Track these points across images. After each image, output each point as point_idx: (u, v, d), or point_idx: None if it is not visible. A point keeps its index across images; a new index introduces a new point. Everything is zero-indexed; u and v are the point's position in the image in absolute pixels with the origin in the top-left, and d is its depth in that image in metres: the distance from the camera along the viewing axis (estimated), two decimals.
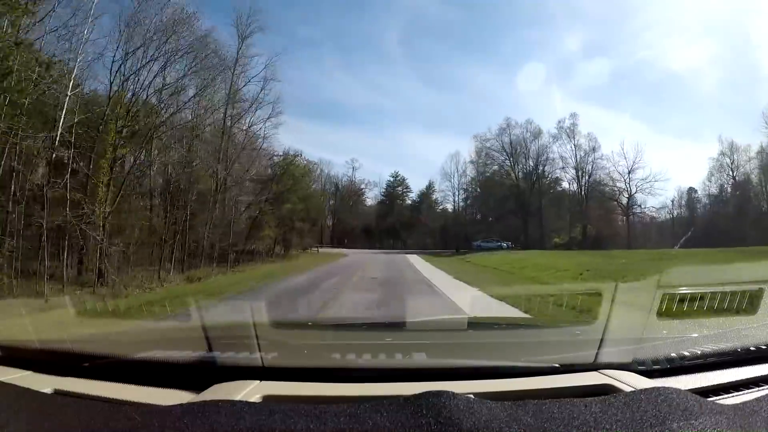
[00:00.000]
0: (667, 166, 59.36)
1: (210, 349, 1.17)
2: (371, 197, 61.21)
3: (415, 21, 66.71)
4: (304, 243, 34.04)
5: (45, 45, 11.66)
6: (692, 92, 55.85)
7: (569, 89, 64.49)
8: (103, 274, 11.95)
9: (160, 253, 15.81)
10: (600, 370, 1.06)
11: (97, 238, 11.68)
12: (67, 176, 11.28)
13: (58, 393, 0.99)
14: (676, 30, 59.00)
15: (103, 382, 1.04)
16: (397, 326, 2.32)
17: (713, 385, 1.06)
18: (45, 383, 1.02)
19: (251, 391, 0.94)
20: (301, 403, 0.81)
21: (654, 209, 44.33)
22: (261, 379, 0.99)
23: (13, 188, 10.36)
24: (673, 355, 1.15)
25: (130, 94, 14.53)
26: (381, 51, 69.59)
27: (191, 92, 17.95)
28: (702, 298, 5.02)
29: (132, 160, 15.47)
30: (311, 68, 66.40)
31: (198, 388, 0.97)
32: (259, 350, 1.11)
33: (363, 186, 60.33)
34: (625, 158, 41.91)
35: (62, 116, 11.20)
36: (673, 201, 45.67)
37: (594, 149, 43.63)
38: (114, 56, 13.94)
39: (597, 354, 1.12)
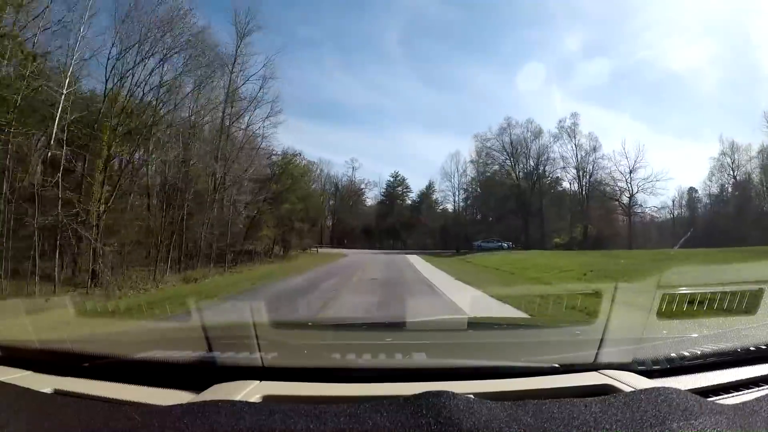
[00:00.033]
0: (668, 166, 59.36)
1: (210, 349, 1.17)
2: (371, 197, 61.31)
3: (415, 21, 66.88)
4: (303, 243, 33.90)
5: (41, 43, 11.63)
6: (692, 92, 55.99)
7: (569, 89, 64.61)
8: (97, 275, 11.78)
9: (156, 254, 15.65)
10: (600, 370, 1.06)
11: (90, 238, 11.52)
12: (59, 175, 11.15)
13: (58, 393, 0.99)
14: (676, 30, 59.11)
15: (103, 382, 1.04)
16: (397, 326, 2.32)
17: (713, 385, 1.06)
18: (45, 383, 1.02)
19: (251, 391, 0.94)
20: (301, 403, 0.81)
21: (656, 209, 44.34)
22: (261, 379, 0.99)
23: (4, 187, 10.26)
24: (673, 355, 1.15)
25: (126, 91, 14.43)
26: (381, 51, 69.79)
27: (188, 90, 17.97)
28: (702, 298, 5.03)
29: (127, 158, 15.31)
30: (311, 68, 66.77)
31: (198, 388, 0.97)
32: (259, 350, 1.11)
33: (363, 186, 60.42)
34: (627, 158, 41.86)
35: (57, 114, 11.13)
36: (673, 201, 45.74)
37: (595, 149, 43.64)
38: (109, 53, 13.84)
39: (597, 354, 1.12)
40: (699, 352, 1.17)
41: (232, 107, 22.36)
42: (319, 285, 11.77)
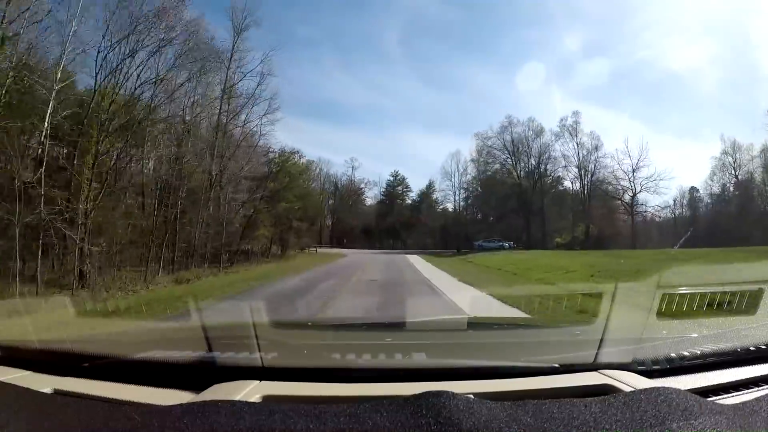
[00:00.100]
0: (670, 165, 59.40)
1: (210, 349, 1.17)
2: (371, 197, 61.38)
3: (414, 21, 67.03)
4: (301, 243, 33.77)
5: (35, 38, 11.48)
6: (692, 92, 56.12)
7: (569, 89, 64.74)
8: (84, 276, 11.42)
9: (148, 253, 15.29)
10: (600, 370, 1.06)
11: (74, 237, 11.15)
12: (42, 170, 10.86)
13: (57, 393, 0.99)
14: (675, 30, 59.16)
15: (103, 382, 1.04)
16: (397, 326, 2.32)
17: (713, 385, 1.06)
18: (45, 383, 1.02)
19: (251, 391, 0.94)
20: (301, 403, 0.81)
21: (659, 208, 44.29)
22: (261, 379, 0.99)
23: None
24: (672, 355, 1.15)
25: (116, 85, 14.03)
26: (381, 51, 69.94)
27: (182, 85, 17.55)
28: (702, 298, 5.02)
29: (116, 155, 14.87)
30: (310, 68, 66.83)
31: (198, 388, 0.97)
32: (259, 350, 1.11)
33: (363, 185, 60.47)
34: (630, 156, 41.71)
35: (49, 110, 10.96)
36: (674, 201, 45.68)
37: (597, 148, 43.56)
38: (100, 46, 13.43)
39: (597, 354, 1.12)
40: (699, 352, 1.17)
41: (229, 104, 22.20)
42: (316, 286, 11.58)
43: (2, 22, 9.82)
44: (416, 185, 60.23)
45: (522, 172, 45.92)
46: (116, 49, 13.65)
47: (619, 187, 42.67)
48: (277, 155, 27.36)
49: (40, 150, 11.57)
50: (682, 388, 0.88)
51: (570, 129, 44.13)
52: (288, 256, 28.38)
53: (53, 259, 12.11)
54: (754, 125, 57.20)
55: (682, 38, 60.77)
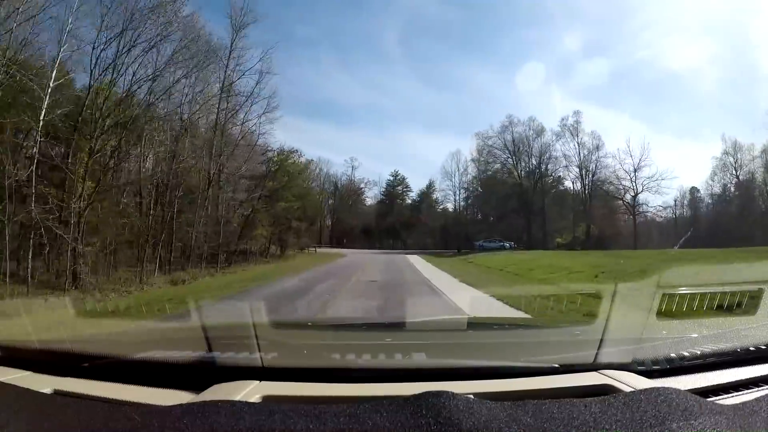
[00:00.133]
0: (670, 165, 59.29)
1: (210, 350, 1.17)
2: (371, 196, 61.38)
3: (414, 20, 67.12)
4: (301, 243, 33.58)
5: (28, 35, 11.34)
6: (691, 92, 56.18)
7: (569, 89, 64.81)
8: (77, 276, 11.18)
9: (143, 254, 15.03)
10: (600, 371, 1.06)
11: (65, 236, 10.88)
12: (32, 168, 10.66)
13: (57, 393, 0.99)
14: (675, 29, 59.18)
15: (103, 382, 1.04)
16: (397, 326, 2.32)
17: (713, 386, 1.06)
18: (45, 383, 1.02)
19: (251, 391, 0.94)
20: (301, 404, 0.81)
21: (660, 208, 44.12)
22: (261, 380, 0.99)
23: None
24: (672, 355, 1.15)
25: (111, 81, 13.75)
26: (380, 50, 70.01)
27: (179, 82, 17.27)
28: (702, 298, 5.02)
29: (110, 152, 14.47)
30: (310, 67, 66.92)
31: (198, 389, 0.97)
32: (259, 350, 1.11)
33: (362, 185, 60.47)
34: (631, 156, 41.49)
35: (44, 105, 10.82)
36: (675, 201, 45.62)
37: (598, 147, 43.43)
38: (95, 42, 13.19)
39: (597, 354, 1.13)
40: (699, 353, 1.17)
41: (228, 102, 22.04)
42: (314, 287, 11.43)
43: None
44: (416, 185, 60.40)
45: (523, 172, 45.90)
46: (112, 44, 13.42)
47: (621, 187, 42.59)
48: (275, 154, 27.19)
49: (34, 149, 11.38)
50: (682, 388, 0.88)
51: (571, 128, 44.14)
52: (287, 256, 28.26)
53: (47, 259, 11.77)
54: (754, 125, 57.38)
55: (682, 38, 60.93)
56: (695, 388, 0.98)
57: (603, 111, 62.21)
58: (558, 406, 0.74)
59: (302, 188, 32.22)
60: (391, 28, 71.49)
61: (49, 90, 11.15)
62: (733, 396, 1.02)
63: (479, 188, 50.11)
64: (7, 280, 9.52)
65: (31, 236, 10.64)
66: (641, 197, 41.64)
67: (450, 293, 10.16)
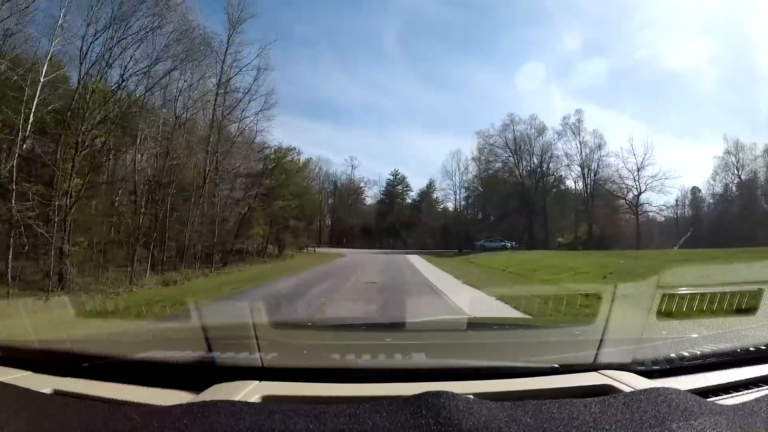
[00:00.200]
0: (672, 165, 59.14)
1: (209, 350, 1.17)
2: (371, 196, 61.27)
3: (413, 20, 67.15)
4: (299, 242, 33.23)
5: (14, 26, 11.15)
6: (691, 91, 56.09)
7: (568, 88, 64.84)
8: (63, 277, 10.82)
9: (134, 253, 14.56)
10: (599, 371, 1.06)
11: (46, 235, 10.52)
12: (13, 163, 10.30)
13: (57, 393, 0.99)
14: (674, 29, 59.25)
15: (103, 382, 1.04)
16: (397, 326, 2.32)
17: (713, 386, 1.06)
18: (45, 383, 1.02)
19: (251, 391, 0.94)
20: (301, 404, 0.81)
21: (663, 207, 43.91)
22: (260, 380, 1.00)
23: None
24: (672, 355, 1.15)
25: (100, 75, 13.38)
26: (379, 50, 70.01)
27: (173, 77, 16.93)
28: (702, 298, 5.02)
29: (100, 147, 13.98)
30: (309, 67, 66.94)
31: (197, 389, 0.97)
32: (259, 350, 1.11)
33: (362, 185, 60.35)
34: (635, 155, 41.14)
35: (35, 101, 10.62)
36: (677, 200, 45.51)
37: (600, 146, 43.14)
38: (85, 34, 12.77)
39: (597, 354, 1.13)
40: (698, 353, 1.17)
41: (225, 99, 21.78)
42: (311, 288, 11.21)
43: None
44: (416, 185, 60.31)
45: (524, 171, 45.66)
46: (102, 36, 13.05)
47: (623, 186, 42.22)
48: (273, 151, 26.76)
49: (23, 144, 11.07)
50: (682, 388, 0.88)
51: (573, 127, 43.89)
52: (285, 256, 27.97)
53: (36, 259, 11.39)
54: (754, 125, 57.34)
55: (681, 37, 60.82)
56: (695, 389, 0.98)
57: (603, 111, 62.23)
58: (558, 406, 0.74)
59: (300, 186, 31.73)
60: (390, 28, 71.56)
61: (40, 86, 10.90)
62: (733, 396, 1.02)
63: (480, 187, 49.98)
64: None
65: (12, 235, 10.26)
66: (643, 197, 41.50)
67: (451, 294, 9.90)
